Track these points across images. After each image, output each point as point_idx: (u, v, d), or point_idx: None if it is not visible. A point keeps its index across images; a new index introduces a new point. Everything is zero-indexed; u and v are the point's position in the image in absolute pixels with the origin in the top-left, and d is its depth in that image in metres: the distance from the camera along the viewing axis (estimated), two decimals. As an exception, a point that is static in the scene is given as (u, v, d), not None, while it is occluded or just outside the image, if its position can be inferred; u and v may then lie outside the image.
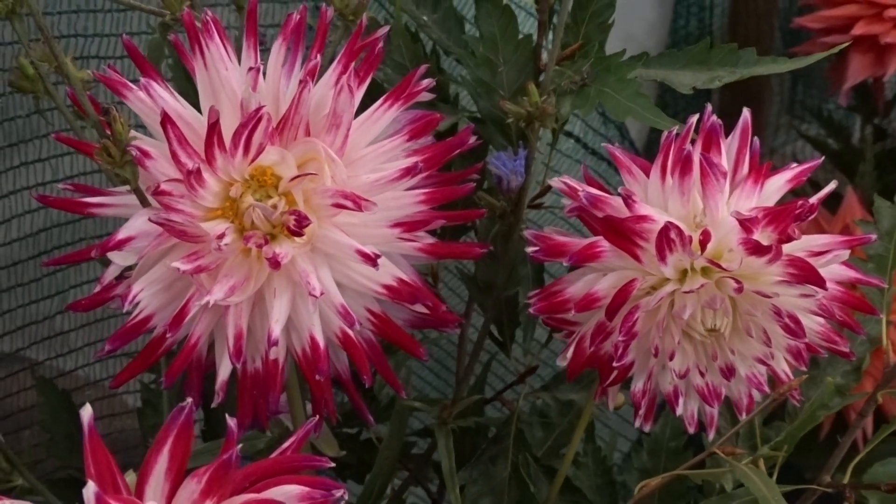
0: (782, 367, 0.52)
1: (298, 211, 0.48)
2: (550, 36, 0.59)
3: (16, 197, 0.73)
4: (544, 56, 0.60)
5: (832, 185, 0.51)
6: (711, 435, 0.53)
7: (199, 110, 0.50)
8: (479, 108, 0.60)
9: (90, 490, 0.37)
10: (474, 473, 0.60)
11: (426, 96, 0.52)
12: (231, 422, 0.39)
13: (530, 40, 0.60)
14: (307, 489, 0.39)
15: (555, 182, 0.51)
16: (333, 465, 0.41)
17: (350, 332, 0.49)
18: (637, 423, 0.53)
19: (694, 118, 0.50)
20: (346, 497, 0.40)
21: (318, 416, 0.50)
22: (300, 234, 0.48)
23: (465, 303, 0.65)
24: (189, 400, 0.39)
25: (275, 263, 0.47)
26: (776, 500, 0.44)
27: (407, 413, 0.60)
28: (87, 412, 0.38)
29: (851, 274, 0.51)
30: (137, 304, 0.48)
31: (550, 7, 0.60)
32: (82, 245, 0.75)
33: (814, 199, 0.50)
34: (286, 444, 0.42)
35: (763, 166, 0.51)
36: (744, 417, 0.52)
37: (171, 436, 0.39)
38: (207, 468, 0.39)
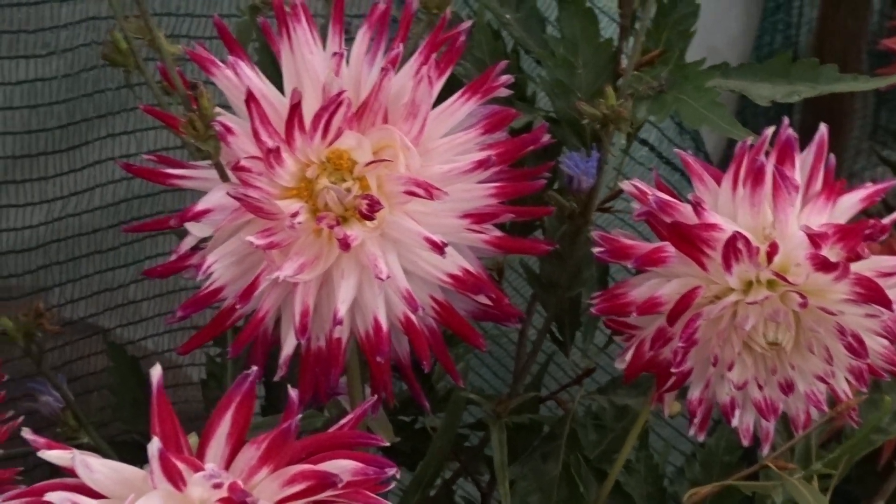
0: (843, 386, 0.51)
1: (371, 195, 0.49)
2: (631, 41, 0.59)
3: (101, 167, 0.75)
4: (624, 60, 0.60)
5: (906, 208, 0.51)
6: (766, 450, 0.53)
7: (282, 92, 0.52)
8: (555, 108, 0.61)
9: (154, 446, 0.38)
10: (525, 469, 0.60)
11: (503, 92, 0.53)
12: (293, 393, 0.41)
13: (610, 44, 0.60)
14: (361, 465, 0.40)
15: (625, 185, 0.52)
16: (388, 443, 0.42)
17: (413, 317, 0.50)
18: (691, 432, 0.53)
19: (770, 130, 0.50)
20: (398, 476, 0.41)
21: (375, 397, 0.51)
22: (371, 219, 0.49)
23: (528, 302, 0.65)
24: (254, 368, 0.41)
25: (345, 245, 0.49)
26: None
27: (462, 404, 0.60)
28: (156, 372, 0.40)
29: (920, 298, 0.50)
30: (210, 274, 0.50)
31: (633, 12, 0.60)
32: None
33: (886, 220, 0.49)
34: (344, 421, 0.43)
35: (837, 183, 0.51)
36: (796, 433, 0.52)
37: (234, 402, 0.40)
38: (267, 436, 0.40)
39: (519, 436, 0.64)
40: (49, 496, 0.38)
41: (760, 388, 0.51)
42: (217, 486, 0.38)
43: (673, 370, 0.50)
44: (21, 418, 0.55)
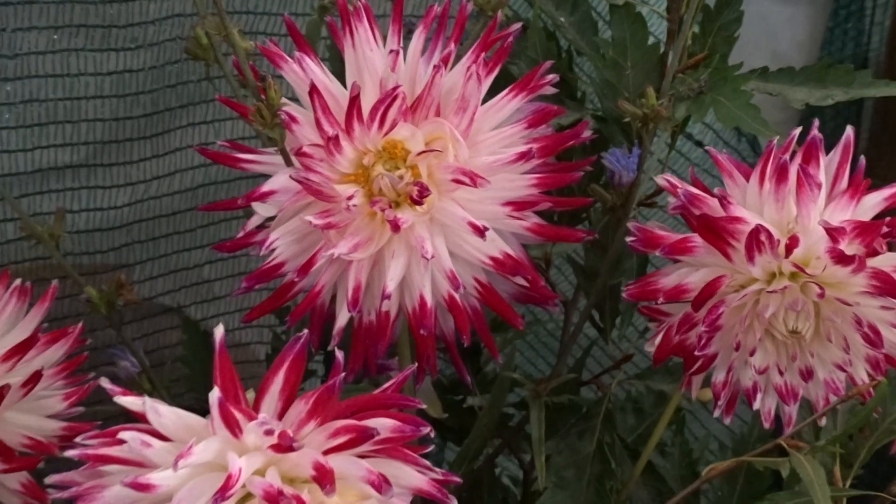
0: (861, 375, 0.54)
1: (421, 182, 0.53)
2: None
3: (182, 153, 0.80)
4: (672, 63, 0.63)
5: (929, 207, 0.53)
6: (787, 433, 0.56)
7: (345, 86, 0.56)
8: (602, 107, 0.64)
9: (215, 395, 0.43)
10: (561, 446, 0.64)
11: (551, 91, 0.57)
12: (339, 354, 0.45)
13: (658, 47, 0.64)
14: (399, 423, 0.45)
15: (659, 179, 0.55)
16: (423, 406, 0.47)
17: (456, 295, 0.54)
18: (716, 414, 0.56)
19: (797, 130, 0.53)
20: (433, 435, 0.45)
21: (419, 367, 0.55)
22: (421, 204, 0.53)
23: (574, 288, 0.69)
24: (305, 331, 0.45)
25: (395, 227, 0.53)
26: (821, 485, 0.47)
27: (507, 384, 0.64)
28: (219, 332, 0.45)
29: (938, 293, 0.53)
30: (273, 250, 0.55)
31: (681, 17, 0.63)
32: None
33: (905, 218, 0.52)
34: (387, 385, 0.47)
35: (862, 183, 0.54)
36: (820, 421, 0.55)
37: (287, 360, 0.45)
38: (314, 392, 0.44)
39: (559, 415, 0.67)
40: (122, 435, 0.43)
41: (781, 373, 0.53)
42: (268, 433, 0.43)
43: (697, 353, 0.53)
44: (101, 378, 0.60)
